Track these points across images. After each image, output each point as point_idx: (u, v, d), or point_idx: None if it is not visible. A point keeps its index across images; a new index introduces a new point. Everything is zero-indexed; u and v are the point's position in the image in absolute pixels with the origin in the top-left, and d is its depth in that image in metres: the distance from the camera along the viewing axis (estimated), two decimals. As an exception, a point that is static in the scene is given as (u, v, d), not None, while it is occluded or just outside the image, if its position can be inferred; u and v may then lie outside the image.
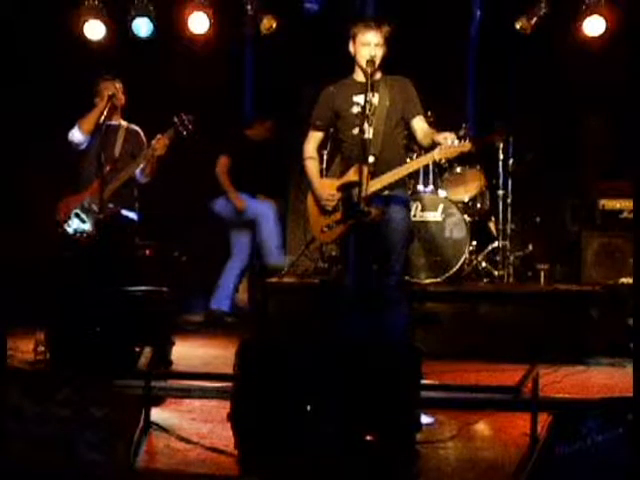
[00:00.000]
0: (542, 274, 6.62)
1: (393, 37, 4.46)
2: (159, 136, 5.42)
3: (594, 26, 6.65)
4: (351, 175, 4.45)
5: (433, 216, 6.23)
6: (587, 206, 6.79)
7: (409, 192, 5.87)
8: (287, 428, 3.20)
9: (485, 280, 6.50)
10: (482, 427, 3.99)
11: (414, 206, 6.17)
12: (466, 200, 6.62)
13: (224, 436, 3.54)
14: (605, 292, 5.95)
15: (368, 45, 4.38)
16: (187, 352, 5.67)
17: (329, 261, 6.65)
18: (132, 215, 5.64)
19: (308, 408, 3.18)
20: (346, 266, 4.57)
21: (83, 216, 5.46)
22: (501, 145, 6.72)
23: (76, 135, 5.51)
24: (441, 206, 6.23)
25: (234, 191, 6.91)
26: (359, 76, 4.54)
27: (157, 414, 3.84)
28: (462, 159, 6.14)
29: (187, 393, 4.24)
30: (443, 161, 6.21)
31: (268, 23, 7.14)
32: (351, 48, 4.51)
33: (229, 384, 3.50)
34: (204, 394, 4.20)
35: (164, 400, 4.21)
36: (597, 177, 7.05)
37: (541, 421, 3.40)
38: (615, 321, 5.69)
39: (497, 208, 6.72)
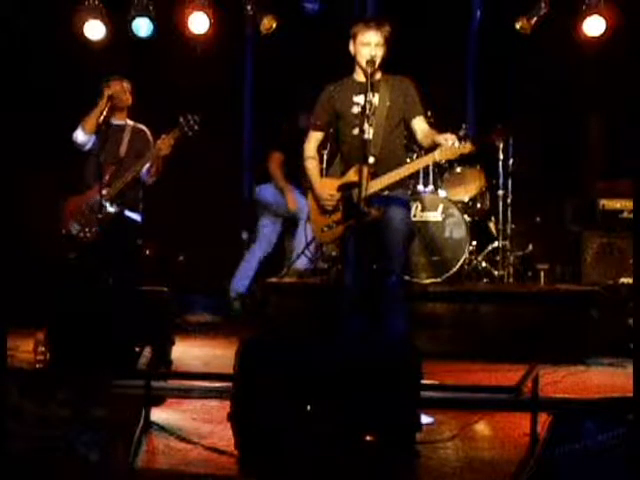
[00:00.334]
0: (542, 274, 6.61)
1: (393, 37, 4.46)
2: (164, 136, 5.40)
3: (594, 26, 6.64)
4: (351, 175, 4.45)
5: (433, 216, 6.23)
6: (587, 206, 6.78)
7: (409, 192, 5.88)
8: (287, 428, 3.20)
9: (485, 280, 6.50)
10: (482, 427, 3.99)
11: (414, 206, 6.17)
12: (466, 200, 6.62)
13: (224, 436, 3.54)
14: (605, 292, 5.95)
15: (368, 45, 4.37)
16: (187, 352, 5.67)
17: (329, 261, 6.65)
18: (136, 216, 5.61)
19: (308, 408, 3.18)
20: (346, 266, 4.57)
21: (87, 217, 5.43)
22: (501, 145, 6.72)
23: (79, 136, 5.50)
24: (441, 206, 6.23)
25: (290, 189, 6.95)
26: (359, 76, 4.54)
27: (157, 414, 3.84)
28: (462, 159, 6.13)
29: (187, 393, 4.24)
30: (443, 161, 6.21)
31: (268, 23, 7.14)
32: (351, 48, 4.50)
33: (229, 384, 3.49)
34: (204, 394, 4.19)
35: (164, 400, 4.20)
36: (597, 177, 7.05)
37: (541, 421, 3.40)
38: (615, 321, 5.69)
39: (497, 208, 6.72)
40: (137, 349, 4.42)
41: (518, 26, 6.92)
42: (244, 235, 8.02)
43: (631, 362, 4.71)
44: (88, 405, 3.08)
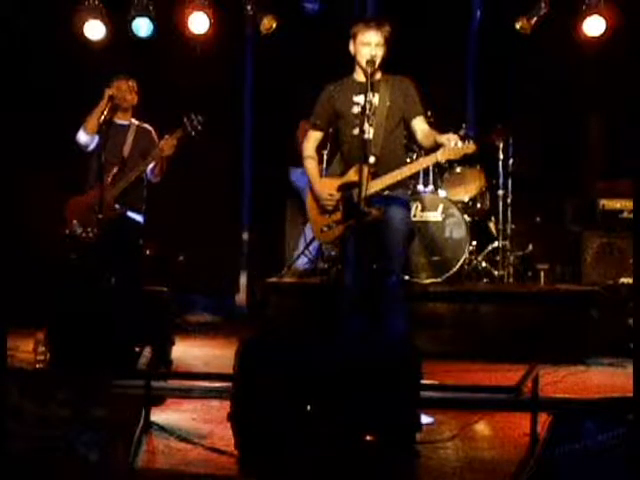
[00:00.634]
0: (542, 274, 6.61)
1: (393, 37, 4.45)
2: (167, 136, 5.38)
3: (594, 26, 6.64)
4: (351, 175, 4.44)
5: (433, 216, 6.23)
6: (587, 206, 6.79)
7: (409, 192, 5.88)
8: (287, 428, 3.20)
9: (485, 280, 6.50)
10: (482, 427, 3.99)
11: (414, 206, 6.18)
12: (466, 200, 6.62)
13: (224, 436, 3.54)
14: (605, 292, 5.95)
15: (368, 45, 4.37)
16: (187, 352, 5.68)
17: (329, 261, 6.65)
18: (138, 217, 5.60)
19: (308, 408, 3.18)
20: (346, 266, 4.57)
21: (89, 217, 5.42)
22: (501, 145, 6.72)
23: (82, 136, 5.48)
24: (441, 206, 6.23)
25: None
26: (359, 76, 4.53)
27: (157, 414, 3.84)
28: (462, 159, 6.14)
29: (187, 393, 4.24)
30: (444, 161, 6.21)
31: (268, 23, 7.14)
32: (351, 48, 4.50)
33: (229, 384, 3.50)
34: (204, 394, 4.20)
35: (164, 400, 4.21)
36: (597, 177, 7.05)
37: (541, 421, 3.40)
38: (615, 321, 5.70)
39: (497, 208, 6.72)
40: (137, 349, 4.42)
41: (518, 26, 6.92)
42: (244, 235, 8.03)
43: (631, 362, 4.72)
44: (88, 405, 3.08)
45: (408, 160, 6.18)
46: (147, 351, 4.39)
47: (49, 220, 5.69)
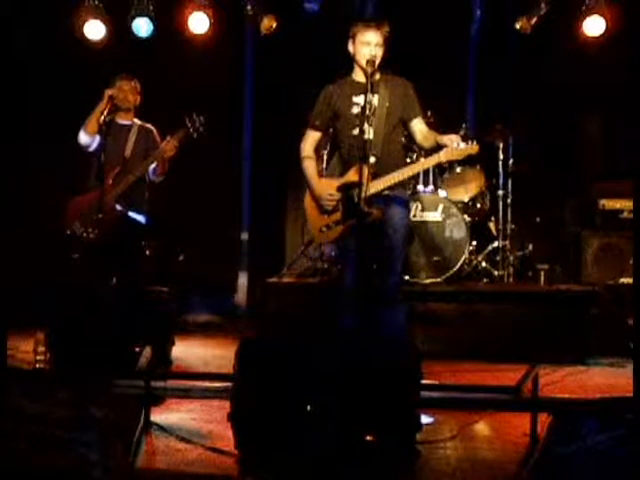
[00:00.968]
0: (542, 274, 6.61)
1: (393, 37, 4.45)
2: (169, 137, 5.38)
3: (594, 26, 6.65)
4: (351, 175, 4.43)
5: (433, 216, 6.23)
6: (587, 206, 6.79)
7: (409, 192, 5.88)
8: (287, 428, 3.20)
9: (485, 280, 6.50)
10: (482, 427, 4.00)
11: (414, 206, 6.18)
12: (466, 200, 6.63)
13: (224, 436, 3.54)
14: (605, 292, 5.95)
15: (368, 45, 4.36)
16: (187, 352, 5.68)
17: (329, 261, 6.65)
18: (140, 218, 5.59)
19: (308, 408, 3.18)
20: (346, 266, 4.57)
21: (90, 217, 5.42)
22: (501, 145, 6.72)
23: (82, 137, 5.47)
24: (441, 206, 6.23)
25: None
26: (358, 76, 4.53)
27: (157, 414, 3.85)
28: (462, 159, 6.15)
29: (187, 393, 4.23)
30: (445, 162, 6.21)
31: (268, 23, 7.13)
32: (350, 48, 4.49)
33: (229, 384, 3.49)
34: (204, 394, 4.19)
35: (164, 400, 4.21)
36: (597, 177, 7.05)
37: (541, 421, 3.40)
38: (615, 321, 5.70)
39: (497, 208, 6.73)
40: (137, 349, 4.41)
41: (518, 26, 6.92)
42: (244, 235, 8.03)
43: (631, 362, 4.71)
44: (88, 405, 3.08)
45: (408, 160, 6.22)
46: (147, 351, 4.38)
47: (50, 220, 5.68)
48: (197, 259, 7.60)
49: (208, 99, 7.08)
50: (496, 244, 6.65)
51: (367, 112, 4.20)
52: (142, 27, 6.96)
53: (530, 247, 6.90)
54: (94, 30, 6.94)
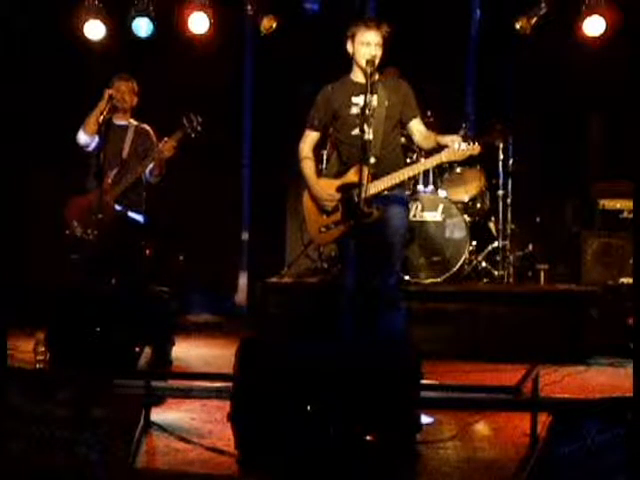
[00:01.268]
0: (542, 274, 6.62)
1: (393, 37, 4.45)
2: (166, 138, 5.38)
3: (594, 26, 6.64)
4: (351, 176, 4.43)
5: (433, 216, 6.23)
6: (587, 206, 6.79)
7: (408, 192, 5.88)
8: (287, 428, 3.20)
9: (485, 280, 6.50)
10: (482, 427, 4.00)
11: (414, 206, 6.18)
12: (466, 200, 6.62)
13: (224, 436, 3.54)
14: (605, 292, 5.95)
15: (368, 45, 4.36)
16: (187, 352, 5.68)
17: (329, 261, 6.65)
18: (139, 218, 5.60)
19: (308, 408, 3.18)
20: (345, 266, 4.57)
21: (90, 218, 5.42)
22: (501, 145, 6.72)
23: (81, 137, 5.47)
24: (441, 206, 6.23)
25: None
26: (357, 76, 4.52)
27: (157, 414, 3.85)
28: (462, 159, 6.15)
29: (187, 393, 4.23)
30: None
31: (268, 23, 7.13)
32: (349, 48, 4.48)
33: (229, 384, 3.50)
34: (204, 394, 4.19)
35: (164, 400, 4.21)
36: (597, 177, 7.05)
37: (541, 421, 3.40)
38: (615, 321, 5.70)
39: (497, 208, 6.72)
40: (137, 349, 4.41)
41: (518, 26, 6.91)
42: (244, 235, 8.03)
43: (631, 362, 4.71)
44: (88, 405, 3.08)
45: (408, 160, 6.22)
46: (147, 351, 4.38)
47: (50, 220, 5.68)
48: (197, 259, 7.60)
49: (208, 99, 7.09)
50: (496, 244, 6.65)
51: (367, 112, 4.20)
52: (142, 27, 6.95)
53: (530, 247, 6.90)
54: (94, 30, 6.93)
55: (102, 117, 5.33)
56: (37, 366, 4.68)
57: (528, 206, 7.07)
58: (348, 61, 4.53)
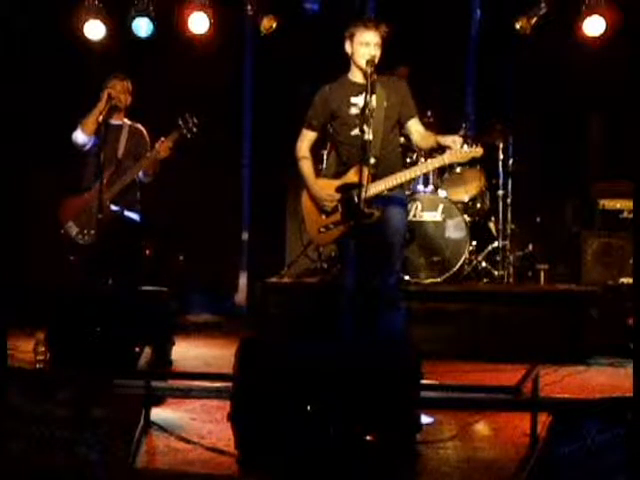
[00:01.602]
0: (542, 274, 6.62)
1: (393, 37, 4.45)
2: (162, 139, 5.38)
3: (594, 26, 6.64)
4: (351, 176, 4.43)
5: (433, 216, 6.23)
6: (587, 206, 6.79)
7: (408, 192, 5.88)
8: (287, 428, 3.20)
9: (485, 280, 6.50)
10: (482, 427, 3.99)
11: (414, 206, 6.18)
12: (466, 200, 6.62)
13: (224, 436, 3.54)
14: (605, 292, 5.95)
15: (367, 45, 4.36)
16: (187, 352, 5.68)
17: (328, 261, 6.65)
18: (135, 216, 5.60)
19: (308, 408, 3.18)
20: (345, 266, 4.56)
21: (86, 218, 5.41)
22: (501, 145, 6.72)
23: (79, 136, 5.46)
24: (441, 206, 6.23)
25: None
26: (355, 76, 4.52)
27: (157, 414, 3.85)
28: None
29: (187, 393, 4.23)
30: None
31: (268, 23, 7.13)
32: (348, 48, 4.47)
33: (229, 384, 3.49)
34: (204, 394, 4.19)
35: (164, 400, 4.21)
36: (597, 177, 7.05)
37: (541, 421, 3.40)
38: (615, 321, 5.70)
39: (497, 208, 6.72)
40: (137, 349, 4.41)
41: (518, 26, 6.91)
42: (244, 235, 8.03)
43: (631, 362, 4.71)
44: (88, 405, 3.08)
45: (408, 160, 6.22)
46: (147, 351, 4.38)
47: (50, 220, 5.68)
48: (197, 259, 7.60)
49: (208, 99, 7.09)
50: (496, 244, 6.65)
51: (367, 113, 4.19)
52: (142, 27, 6.95)
53: (530, 247, 6.90)
54: (94, 30, 6.93)
55: (101, 117, 5.34)
56: (37, 366, 4.68)
57: (528, 206, 7.07)
58: (348, 61, 4.53)
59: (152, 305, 4.89)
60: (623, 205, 6.55)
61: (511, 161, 6.75)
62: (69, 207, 5.49)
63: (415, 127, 4.55)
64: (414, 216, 6.17)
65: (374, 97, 4.36)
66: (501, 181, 6.73)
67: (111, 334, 4.50)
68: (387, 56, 4.47)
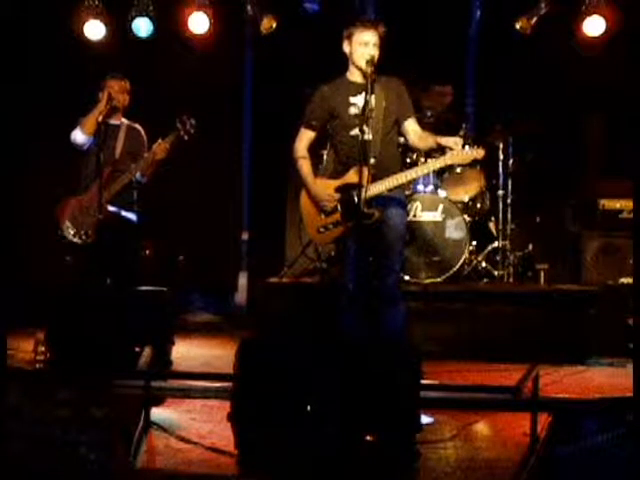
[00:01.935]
0: (542, 274, 6.62)
1: (393, 37, 4.45)
2: (160, 141, 5.38)
3: (594, 26, 6.64)
4: (351, 176, 4.42)
5: (433, 216, 6.23)
6: (587, 206, 6.79)
7: (408, 192, 5.88)
8: (287, 428, 3.20)
9: (485, 280, 6.50)
10: (482, 427, 4.00)
11: (414, 206, 6.18)
12: (466, 200, 6.62)
13: (224, 436, 3.54)
14: (605, 292, 5.95)
15: (366, 45, 4.35)
16: (187, 352, 5.68)
17: (328, 261, 6.65)
18: (132, 216, 5.61)
19: (308, 408, 3.18)
20: (346, 266, 4.56)
21: (83, 219, 5.41)
22: (501, 145, 6.72)
23: (79, 136, 5.46)
24: (441, 206, 6.23)
25: None
26: (354, 76, 4.51)
27: (157, 414, 3.84)
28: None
29: (187, 393, 4.23)
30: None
31: (268, 23, 7.13)
32: (346, 48, 4.47)
33: (229, 384, 3.49)
34: (204, 394, 4.18)
35: (164, 400, 4.21)
36: (597, 177, 7.05)
37: (541, 421, 3.40)
38: (615, 321, 5.69)
39: (497, 208, 6.72)
40: (137, 349, 4.41)
41: (518, 26, 6.91)
42: (244, 235, 8.03)
43: (631, 362, 4.72)
44: (88, 405, 3.08)
45: (408, 160, 6.22)
46: (147, 351, 4.38)
47: (50, 220, 5.68)
48: (197, 259, 7.59)
49: (208, 99, 7.09)
50: (496, 244, 6.65)
51: (366, 112, 4.19)
52: (142, 27, 6.95)
53: (530, 247, 6.90)
54: (94, 30, 6.93)
55: (101, 117, 5.34)
56: (37, 366, 4.68)
57: (528, 206, 7.07)
58: (347, 61, 4.53)
59: (152, 305, 4.88)
60: (623, 205, 6.54)
61: (511, 161, 6.75)
62: (66, 207, 5.49)
63: (412, 127, 4.55)
64: (414, 216, 6.17)
65: (373, 97, 4.37)
66: (501, 181, 6.74)
67: (111, 334, 4.50)
68: (387, 56, 4.47)
